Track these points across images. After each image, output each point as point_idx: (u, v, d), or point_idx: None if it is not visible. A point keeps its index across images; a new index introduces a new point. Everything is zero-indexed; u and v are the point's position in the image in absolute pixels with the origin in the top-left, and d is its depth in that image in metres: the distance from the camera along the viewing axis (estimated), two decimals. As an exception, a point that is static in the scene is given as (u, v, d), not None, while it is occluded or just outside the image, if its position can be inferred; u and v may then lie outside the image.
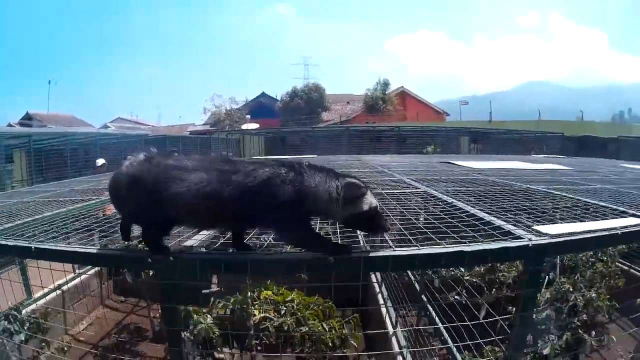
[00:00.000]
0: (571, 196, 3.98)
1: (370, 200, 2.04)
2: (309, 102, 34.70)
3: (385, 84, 35.44)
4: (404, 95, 36.49)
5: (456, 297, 4.71)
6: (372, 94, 34.99)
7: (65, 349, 5.49)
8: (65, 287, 7.57)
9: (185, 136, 25.92)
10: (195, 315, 4.44)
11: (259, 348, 4.28)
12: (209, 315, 4.41)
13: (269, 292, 4.66)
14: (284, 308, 4.46)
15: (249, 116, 36.05)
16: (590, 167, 8.01)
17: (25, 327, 5.24)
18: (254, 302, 4.56)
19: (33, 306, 7.06)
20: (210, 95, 38.79)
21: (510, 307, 4.01)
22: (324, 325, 4.23)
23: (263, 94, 41.10)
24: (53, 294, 7.20)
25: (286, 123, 33.07)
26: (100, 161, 12.85)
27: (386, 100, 34.43)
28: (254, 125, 31.33)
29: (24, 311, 6.23)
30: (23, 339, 5.10)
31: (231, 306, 4.43)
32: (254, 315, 4.37)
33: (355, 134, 24.07)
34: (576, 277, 4.75)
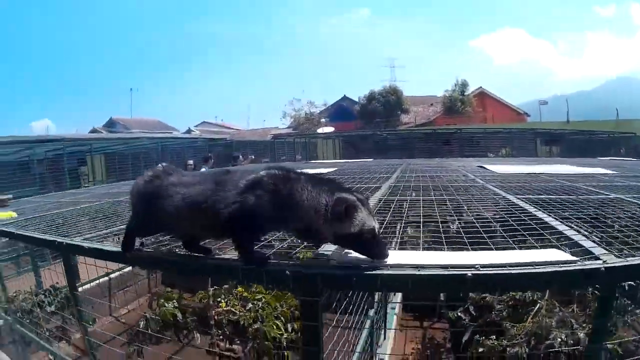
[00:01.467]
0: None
1: (363, 221, 1.80)
2: (386, 105, 34.47)
3: (464, 85, 34.55)
4: (483, 95, 35.28)
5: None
6: (450, 95, 34.20)
7: (91, 322, 6.08)
8: (113, 275, 8.41)
9: (256, 140, 26.64)
10: (162, 300, 4.94)
11: (220, 337, 4.63)
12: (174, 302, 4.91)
13: (241, 289, 4.96)
14: (251, 305, 4.71)
15: (323, 120, 36.52)
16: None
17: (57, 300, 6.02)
18: (226, 296, 4.94)
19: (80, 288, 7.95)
20: (290, 99, 39.66)
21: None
22: (278, 325, 4.43)
23: (345, 97, 41.00)
24: (99, 280, 8.02)
25: (364, 126, 33.02)
26: (190, 162, 14.08)
27: (465, 102, 33.52)
28: (329, 129, 31.65)
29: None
30: (54, 309, 5.85)
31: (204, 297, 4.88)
32: (220, 307, 4.74)
33: (423, 137, 23.53)
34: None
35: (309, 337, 2.00)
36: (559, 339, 3.78)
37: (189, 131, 36.39)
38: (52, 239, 3.33)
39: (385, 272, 1.80)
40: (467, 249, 2.16)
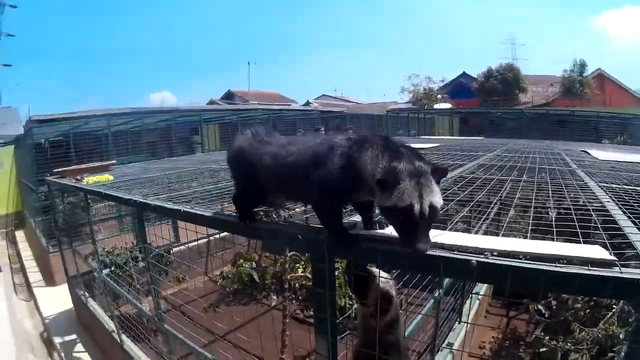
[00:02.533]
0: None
1: (402, 195, 1.54)
2: (504, 83, 32.77)
3: (582, 65, 31.65)
4: (601, 78, 32.10)
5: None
6: (569, 75, 31.71)
7: (180, 278, 6.55)
8: (212, 237, 8.95)
9: (371, 114, 26.47)
10: (240, 260, 5.16)
11: (292, 299, 4.76)
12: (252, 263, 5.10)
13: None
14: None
15: (440, 96, 35.54)
16: None
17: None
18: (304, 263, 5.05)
19: (180, 248, 8.58)
20: (408, 74, 39.01)
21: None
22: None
23: (464, 74, 39.16)
24: (199, 242, 8.58)
25: (482, 104, 31.76)
26: (301, 132, 14.61)
27: (583, 83, 30.91)
28: (446, 105, 30.92)
29: (172, 250, 7.68)
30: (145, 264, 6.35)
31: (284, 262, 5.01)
32: (296, 272, 4.86)
33: (536, 118, 22.19)
34: None
35: (320, 305, 2.02)
36: (623, 353, 3.44)
37: (307, 104, 36.77)
38: (128, 197, 3.72)
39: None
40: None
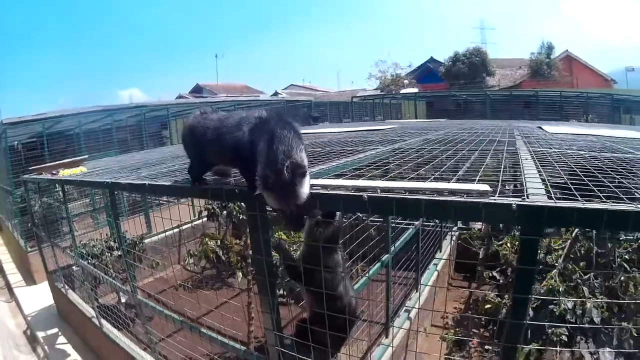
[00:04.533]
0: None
1: (275, 202, 2.06)
2: (471, 66, 33.29)
3: (550, 48, 32.28)
4: (569, 60, 32.79)
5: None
6: (536, 58, 32.33)
7: (154, 265, 6.81)
8: (183, 227, 9.25)
9: (337, 101, 26.76)
10: (206, 239, 5.53)
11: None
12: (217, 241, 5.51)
13: (282, 234, 5.38)
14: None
15: (406, 81, 35.92)
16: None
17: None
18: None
19: (153, 239, 8.85)
20: (375, 60, 39.33)
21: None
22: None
23: (432, 59, 39.63)
24: (171, 232, 8.87)
25: (449, 88, 32.15)
26: None
27: (551, 65, 31.55)
28: (413, 90, 31.20)
29: (146, 241, 7.93)
30: (120, 254, 6.61)
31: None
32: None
33: (502, 100, 22.74)
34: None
35: (257, 247, 2.44)
36: (563, 306, 3.82)
37: (275, 94, 36.94)
38: (100, 180, 4.08)
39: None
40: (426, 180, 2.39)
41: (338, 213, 2.61)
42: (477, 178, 2.34)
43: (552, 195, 1.74)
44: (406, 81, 36.04)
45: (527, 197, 1.70)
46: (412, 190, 1.91)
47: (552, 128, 7.77)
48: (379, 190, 1.96)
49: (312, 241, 2.58)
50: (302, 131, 2.25)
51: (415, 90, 31.61)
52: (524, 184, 2.04)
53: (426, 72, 38.23)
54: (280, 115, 2.31)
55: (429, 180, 2.38)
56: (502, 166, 2.92)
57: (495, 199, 1.70)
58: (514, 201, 1.62)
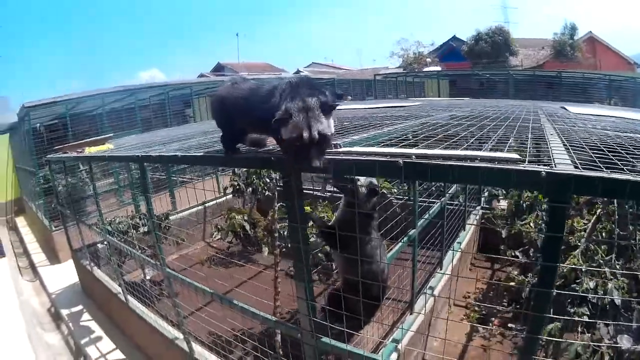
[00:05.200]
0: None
1: (294, 127, 2.03)
2: (494, 46, 32.75)
3: (573, 29, 31.57)
4: (592, 41, 31.97)
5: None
6: (559, 39, 31.67)
7: (179, 241, 6.90)
8: (207, 205, 9.32)
9: (359, 79, 26.62)
10: (233, 213, 5.60)
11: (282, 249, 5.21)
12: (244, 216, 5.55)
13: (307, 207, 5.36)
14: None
15: (429, 59, 35.60)
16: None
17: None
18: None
19: (177, 215, 8.94)
20: (398, 39, 39.06)
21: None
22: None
23: (454, 38, 38.86)
24: (195, 209, 8.95)
25: (473, 67, 31.68)
26: None
27: (574, 47, 30.90)
28: (436, 69, 30.90)
29: (171, 218, 8.02)
30: (146, 230, 6.69)
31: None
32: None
33: (526, 80, 22.34)
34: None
35: (291, 215, 2.47)
36: (585, 286, 3.80)
37: (297, 72, 36.72)
38: (130, 154, 4.26)
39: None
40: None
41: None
42: (506, 149, 2.38)
43: (578, 165, 1.78)
44: (429, 59, 35.75)
45: (555, 166, 1.73)
46: (445, 157, 1.92)
47: (575, 109, 7.63)
48: (413, 157, 1.95)
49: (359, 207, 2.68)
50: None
51: (438, 68, 31.33)
52: (551, 155, 2.07)
53: (449, 51, 37.69)
54: (310, 80, 2.36)
55: (459, 149, 2.37)
56: (529, 140, 2.92)
57: (524, 166, 1.73)
58: (542, 169, 1.65)
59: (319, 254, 4.84)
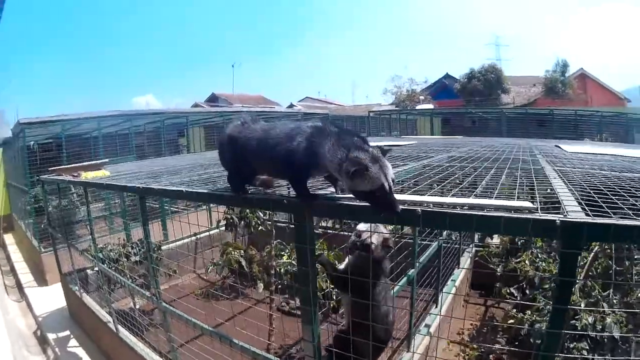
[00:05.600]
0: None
1: (375, 179, 1.94)
2: (486, 83, 33.23)
3: (565, 66, 32.14)
4: (584, 78, 32.53)
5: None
6: (551, 76, 32.22)
7: (171, 272, 6.83)
8: (200, 236, 9.25)
9: (353, 115, 26.75)
10: (229, 248, 5.53)
11: (278, 286, 5.14)
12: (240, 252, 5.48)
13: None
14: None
15: (422, 97, 35.97)
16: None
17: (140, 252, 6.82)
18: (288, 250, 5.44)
19: (169, 246, 8.85)
20: (391, 75, 39.55)
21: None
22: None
23: (447, 76, 39.22)
24: (187, 240, 8.88)
25: (466, 105, 32.04)
26: None
27: (565, 83, 31.43)
28: (428, 106, 31.16)
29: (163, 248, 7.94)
30: (138, 259, 6.61)
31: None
32: (282, 259, 5.23)
33: (517, 117, 22.65)
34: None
35: (303, 258, 2.44)
36: (584, 321, 3.86)
37: (291, 106, 36.90)
38: (132, 185, 4.13)
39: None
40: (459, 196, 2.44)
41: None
42: (516, 195, 2.46)
43: (589, 212, 1.84)
44: (422, 97, 36.12)
45: (567, 214, 1.80)
46: (460, 206, 1.98)
47: (569, 147, 7.77)
48: (431, 205, 1.98)
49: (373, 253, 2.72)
50: None
51: (431, 106, 31.62)
52: (561, 202, 2.12)
53: (441, 89, 38.19)
54: (336, 124, 2.35)
55: (470, 197, 2.40)
56: (534, 184, 2.98)
57: (540, 216, 1.78)
58: (557, 217, 1.71)
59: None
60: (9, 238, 14.81)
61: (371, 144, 2.17)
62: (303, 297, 2.46)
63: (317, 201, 2.34)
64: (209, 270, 6.57)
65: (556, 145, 8.33)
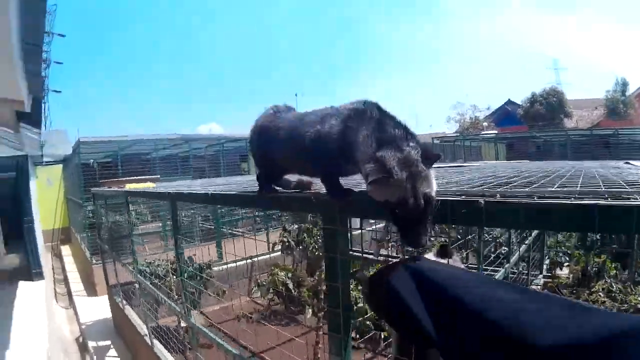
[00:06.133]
0: None
1: (397, 190, 1.39)
2: (548, 108, 32.09)
3: (624, 84, 30.54)
4: None
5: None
6: (611, 96, 30.66)
7: (219, 293, 6.61)
8: (256, 259, 9.00)
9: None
10: (276, 269, 5.21)
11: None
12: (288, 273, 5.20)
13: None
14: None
15: (485, 124, 35.31)
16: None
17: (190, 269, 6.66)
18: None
19: (222, 267, 8.64)
20: (454, 103, 39.07)
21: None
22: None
23: (509, 102, 38.48)
24: (242, 262, 8.65)
25: (530, 131, 30.99)
26: None
27: (627, 103, 29.79)
28: (492, 133, 30.54)
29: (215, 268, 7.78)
30: (186, 277, 6.44)
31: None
32: None
33: (582, 141, 21.59)
34: None
35: (332, 268, 1.93)
36: None
37: None
38: (162, 190, 4.17)
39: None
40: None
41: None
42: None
43: None
44: (485, 124, 35.40)
45: None
46: (539, 195, 1.38)
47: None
48: (497, 196, 1.41)
49: None
50: None
51: (495, 132, 30.89)
52: None
53: (504, 115, 37.43)
54: (386, 111, 1.67)
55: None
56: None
57: None
58: None
59: (367, 322, 4.39)
60: (66, 249, 15.45)
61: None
62: (330, 321, 1.95)
63: (350, 198, 1.76)
64: (252, 291, 6.25)
65: (626, 162, 7.76)
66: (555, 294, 1.71)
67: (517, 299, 1.21)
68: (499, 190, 1.53)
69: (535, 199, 1.31)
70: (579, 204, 1.17)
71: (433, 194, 1.41)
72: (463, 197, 1.43)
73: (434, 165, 1.49)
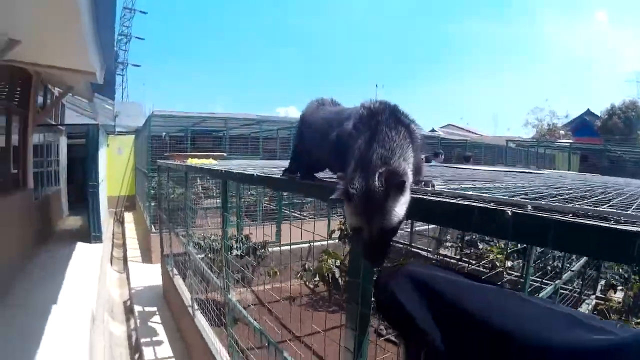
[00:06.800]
0: None
1: (353, 218, 1.42)
2: (626, 122, 30.48)
3: None
4: None
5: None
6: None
7: (270, 273, 6.68)
8: (313, 244, 9.03)
9: (491, 144, 25.66)
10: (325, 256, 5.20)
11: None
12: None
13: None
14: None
15: (562, 132, 33.93)
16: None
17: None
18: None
19: (279, 248, 8.77)
20: (532, 107, 37.82)
21: None
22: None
23: (588, 112, 37.57)
24: (298, 245, 8.71)
25: (605, 143, 29.41)
26: (422, 156, 15.09)
27: None
28: (567, 142, 29.39)
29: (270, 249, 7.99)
30: (239, 254, 6.59)
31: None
32: None
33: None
34: None
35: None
36: None
37: (432, 131, 36.49)
38: (215, 168, 4.22)
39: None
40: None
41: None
42: None
43: None
44: (562, 132, 34.05)
45: None
46: (581, 214, 1.21)
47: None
48: (529, 208, 1.26)
49: None
50: (421, 135, 1.67)
51: (571, 141, 29.72)
52: None
53: (582, 125, 36.27)
54: (394, 110, 1.64)
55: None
56: None
57: None
58: None
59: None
60: (129, 216, 16.11)
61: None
62: (348, 316, 1.93)
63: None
64: (298, 275, 6.27)
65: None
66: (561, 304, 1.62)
67: (517, 305, 1.24)
68: (539, 202, 1.39)
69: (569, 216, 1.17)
70: (618, 229, 1.01)
71: (390, 226, 1.38)
72: (492, 204, 1.32)
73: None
